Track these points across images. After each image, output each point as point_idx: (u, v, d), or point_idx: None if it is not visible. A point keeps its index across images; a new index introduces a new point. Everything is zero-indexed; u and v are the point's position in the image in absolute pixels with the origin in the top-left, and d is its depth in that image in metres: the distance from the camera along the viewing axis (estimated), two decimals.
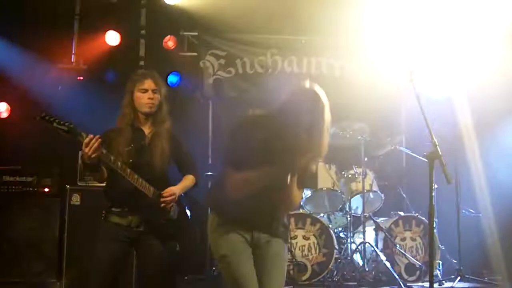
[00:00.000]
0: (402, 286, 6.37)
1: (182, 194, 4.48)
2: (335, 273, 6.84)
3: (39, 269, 6.42)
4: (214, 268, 7.09)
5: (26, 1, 7.50)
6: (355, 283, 6.71)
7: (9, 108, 7.62)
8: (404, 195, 7.74)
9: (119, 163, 4.12)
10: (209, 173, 7.30)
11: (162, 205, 4.30)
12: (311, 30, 8.11)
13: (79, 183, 6.60)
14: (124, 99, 4.41)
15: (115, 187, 4.30)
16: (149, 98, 4.34)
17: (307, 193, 7.22)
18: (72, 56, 7.95)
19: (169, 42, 7.95)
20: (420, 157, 6.54)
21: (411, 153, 7.31)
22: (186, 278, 6.53)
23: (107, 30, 7.81)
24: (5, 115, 7.64)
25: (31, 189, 6.67)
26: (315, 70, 8.29)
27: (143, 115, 4.39)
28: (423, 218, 7.07)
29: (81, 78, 7.82)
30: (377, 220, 7.14)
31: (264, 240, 3.54)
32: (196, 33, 8.22)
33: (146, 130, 4.41)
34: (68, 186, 6.45)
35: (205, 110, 8.23)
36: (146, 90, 4.34)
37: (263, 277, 3.48)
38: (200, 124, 8.03)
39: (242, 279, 3.41)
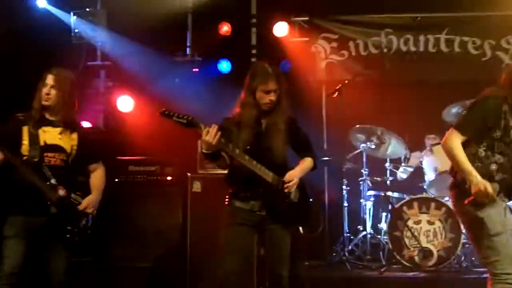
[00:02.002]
0: None
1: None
2: (462, 258, 6.57)
3: (165, 254, 6.58)
4: (334, 254, 7.09)
5: None
6: (486, 269, 6.43)
7: (132, 102, 7.97)
8: None
9: (237, 151, 4.19)
10: (325, 158, 7.30)
11: (285, 190, 4.33)
12: (426, 7, 7.86)
13: (199, 171, 6.76)
14: (245, 95, 4.44)
15: (235, 173, 4.39)
16: (270, 99, 4.37)
17: (431, 176, 7.04)
18: (187, 49, 8.18)
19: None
20: None
21: None
22: (306, 263, 6.55)
23: (219, 22, 7.97)
24: (129, 109, 7.99)
25: (154, 177, 6.87)
26: (432, 48, 8.04)
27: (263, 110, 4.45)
28: None
29: (197, 69, 8.03)
30: None
31: None
32: (307, 18, 8.18)
33: (264, 114, 4.45)
34: (189, 174, 6.62)
35: (318, 94, 8.20)
36: (269, 91, 4.36)
37: None
38: (313, 109, 8.01)
39: None
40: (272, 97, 4.36)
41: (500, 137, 3.96)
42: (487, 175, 3.90)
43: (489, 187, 3.83)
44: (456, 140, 3.97)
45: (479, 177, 3.85)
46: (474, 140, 3.98)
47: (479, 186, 3.82)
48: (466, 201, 3.92)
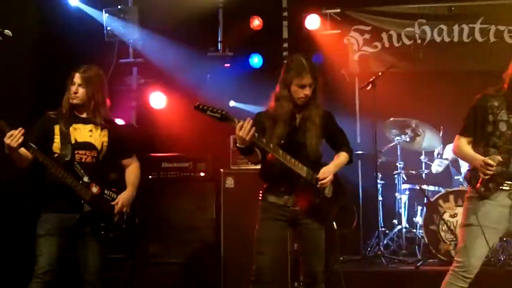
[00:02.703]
0: None
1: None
2: (500, 252, 6.43)
3: (198, 250, 6.60)
4: (369, 248, 7.03)
5: None
6: None
7: (165, 98, 7.99)
8: None
9: (271, 145, 4.17)
10: (359, 152, 7.23)
11: (320, 185, 4.29)
12: None
13: (232, 167, 6.76)
14: (279, 89, 4.41)
15: (269, 168, 4.38)
16: (305, 94, 4.34)
17: (466, 168, 6.91)
18: (219, 44, 8.18)
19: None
20: None
21: None
22: (341, 258, 6.51)
23: (250, 16, 7.94)
24: (161, 105, 8.02)
25: (187, 174, 6.90)
26: (467, 38, 7.90)
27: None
28: None
29: (228, 65, 8.02)
30: None
31: None
32: (339, 10, 8.11)
33: (298, 109, 4.43)
34: (222, 170, 6.62)
35: (351, 87, 8.13)
36: (304, 86, 4.32)
37: None
38: (346, 102, 7.94)
39: None
40: (307, 91, 4.32)
41: (492, 131, 4.20)
42: None
43: (487, 159, 4.01)
44: (461, 141, 4.33)
45: (480, 157, 4.10)
46: (477, 139, 4.28)
47: (479, 162, 4.06)
48: (478, 184, 4.13)
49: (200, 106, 4.08)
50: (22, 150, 4.13)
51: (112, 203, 4.50)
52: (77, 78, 4.43)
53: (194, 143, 7.36)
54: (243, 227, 6.12)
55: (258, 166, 4.65)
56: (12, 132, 3.99)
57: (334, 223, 4.78)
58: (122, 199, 4.55)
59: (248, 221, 5.83)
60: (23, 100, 6.56)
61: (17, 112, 6.15)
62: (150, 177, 6.85)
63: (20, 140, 4.01)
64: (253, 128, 4.03)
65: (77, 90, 4.42)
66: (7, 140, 3.98)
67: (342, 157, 4.51)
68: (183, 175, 6.91)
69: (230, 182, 6.57)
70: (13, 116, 4.65)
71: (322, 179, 4.29)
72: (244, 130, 4.01)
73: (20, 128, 4.02)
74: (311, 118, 4.37)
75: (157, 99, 7.99)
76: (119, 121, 7.24)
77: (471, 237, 4.15)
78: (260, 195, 4.48)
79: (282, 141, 4.27)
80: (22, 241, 4.71)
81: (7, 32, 4.07)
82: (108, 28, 7.79)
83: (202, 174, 6.88)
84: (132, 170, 4.76)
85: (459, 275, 4.17)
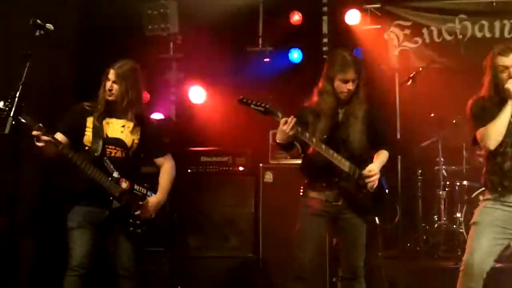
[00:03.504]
0: None
1: None
2: None
3: (237, 244, 6.63)
4: (409, 244, 6.98)
5: None
6: None
7: (204, 93, 8.03)
8: None
9: (314, 140, 4.17)
10: (399, 148, 7.18)
11: (368, 185, 4.28)
12: None
13: (271, 161, 6.79)
14: (322, 84, 4.40)
15: (310, 163, 4.38)
16: (348, 89, 4.33)
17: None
18: (259, 39, 8.19)
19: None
20: None
21: None
22: (381, 253, 6.48)
23: (290, 11, 7.93)
24: (201, 100, 8.06)
25: (226, 168, 6.93)
26: (508, 34, 7.76)
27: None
28: None
29: (268, 59, 8.03)
30: None
31: None
32: (379, 5, 8.04)
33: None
34: (261, 165, 6.66)
35: (391, 82, 8.06)
36: (347, 81, 4.31)
37: None
38: (387, 98, 7.88)
39: None
40: (350, 86, 4.31)
41: None
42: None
43: None
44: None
45: None
46: None
47: None
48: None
49: (244, 100, 4.11)
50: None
51: (140, 202, 4.43)
52: (111, 74, 4.39)
53: (233, 137, 7.38)
54: (281, 222, 6.16)
55: (297, 161, 4.67)
56: (37, 133, 3.94)
57: (377, 219, 4.75)
58: (151, 202, 4.49)
59: (287, 215, 5.88)
60: (65, 93, 6.62)
61: (60, 105, 6.27)
62: (189, 171, 6.91)
63: (44, 144, 3.97)
64: (296, 126, 4.05)
65: (112, 86, 4.37)
66: (35, 133, 3.94)
67: (384, 155, 4.48)
68: (222, 170, 6.95)
69: (269, 176, 6.60)
70: (56, 109, 4.73)
71: (369, 177, 4.28)
72: (288, 125, 4.03)
73: (48, 133, 3.98)
74: (354, 113, 4.36)
75: (197, 94, 8.03)
76: (159, 116, 7.34)
77: (475, 235, 4.12)
78: (301, 190, 4.47)
79: (325, 136, 4.26)
80: (58, 235, 4.70)
81: (49, 26, 4.02)
82: (148, 23, 7.86)
83: (241, 168, 6.90)
84: (165, 171, 4.66)
85: (465, 273, 4.09)
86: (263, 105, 4.06)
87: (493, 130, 4.08)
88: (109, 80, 4.39)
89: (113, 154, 4.35)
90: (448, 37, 7.90)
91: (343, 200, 4.31)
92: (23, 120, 3.84)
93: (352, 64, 4.31)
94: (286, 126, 4.02)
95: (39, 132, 3.94)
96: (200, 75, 7.99)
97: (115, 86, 4.38)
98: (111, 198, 4.29)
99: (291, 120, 4.03)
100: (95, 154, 4.28)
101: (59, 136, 4.23)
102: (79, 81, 6.80)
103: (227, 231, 6.67)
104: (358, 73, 4.33)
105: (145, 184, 4.51)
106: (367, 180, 4.27)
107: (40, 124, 3.97)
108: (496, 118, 4.07)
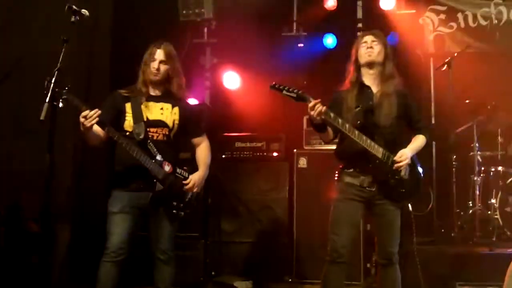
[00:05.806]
0: None
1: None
2: None
3: (271, 229, 6.68)
4: (443, 230, 6.95)
5: None
6: None
7: (238, 78, 8.06)
8: None
9: (347, 126, 4.18)
10: (434, 133, 7.13)
11: (396, 167, 4.28)
12: None
13: (305, 147, 6.81)
14: (352, 69, 4.48)
15: (345, 148, 4.41)
16: (368, 48, 4.38)
17: None
18: (294, 24, 8.18)
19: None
20: None
21: None
22: (415, 239, 6.46)
23: None
24: (235, 85, 8.10)
25: (260, 154, 6.98)
26: None
27: (367, 69, 4.42)
28: None
29: (302, 45, 8.02)
30: None
31: None
32: None
33: (374, 88, 4.43)
34: (295, 150, 6.68)
35: (426, 68, 8.00)
36: (366, 42, 4.39)
37: None
38: (422, 83, 7.83)
39: None
40: (370, 45, 4.39)
41: None
42: None
43: None
44: None
45: None
46: None
47: None
48: None
49: (276, 86, 4.13)
50: (96, 129, 4.10)
51: (184, 182, 4.45)
52: (159, 54, 4.37)
53: (268, 123, 7.41)
54: (315, 207, 6.19)
55: (331, 146, 4.70)
56: (87, 112, 3.94)
57: (410, 205, 4.74)
58: (194, 179, 4.50)
59: (320, 201, 5.93)
60: (101, 79, 6.69)
61: (96, 90, 6.34)
62: (223, 156, 6.97)
63: (94, 121, 3.96)
64: (324, 108, 4.06)
65: (159, 66, 4.36)
66: (82, 120, 3.94)
67: (419, 141, 4.49)
68: (257, 155, 7.00)
69: (303, 162, 6.62)
70: (92, 94, 4.78)
71: (399, 162, 4.28)
72: (316, 111, 4.05)
73: (96, 110, 3.97)
74: (388, 97, 4.37)
75: (231, 79, 8.06)
76: (193, 101, 7.39)
77: None
78: (336, 175, 4.49)
79: (359, 122, 4.28)
80: (98, 219, 4.74)
81: (84, 11, 3.98)
82: (183, 8, 7.89)
83: (275, 154, 6.94)
84: (202, 149, 4.68)
85: None
86: (295, 91, 4.09)
87: None
88: (155, 60, 4.37)
89: (155, 138, 4.36)
90: (483, 22, 7.80)
91: (377, 186, 4.33)
92: (60, 105, 3.79)
93: (371, 32, 4.46)
94: (314, 111, 4.05)
95: (87, 111, 3.94)
96: (234, 61, 8.01)
97: (163, 66, 4.38)
98: (155, 180, 4.31)
99: (318, 105, 4.04)
100: (140, 137, 4.29)
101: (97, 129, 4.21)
102: (114, 67, 6.86)
103: (261, 216, 6.73)
104: (378, 37, 4.42)
105: (184, 168, 4.52)
106: (396, 166, 4.27)
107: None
108: None
